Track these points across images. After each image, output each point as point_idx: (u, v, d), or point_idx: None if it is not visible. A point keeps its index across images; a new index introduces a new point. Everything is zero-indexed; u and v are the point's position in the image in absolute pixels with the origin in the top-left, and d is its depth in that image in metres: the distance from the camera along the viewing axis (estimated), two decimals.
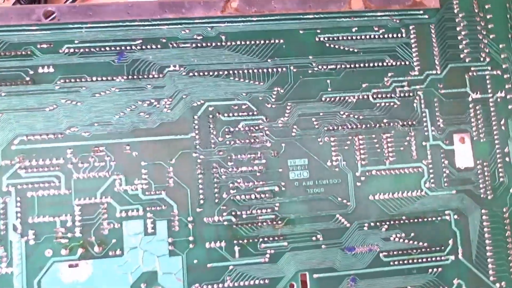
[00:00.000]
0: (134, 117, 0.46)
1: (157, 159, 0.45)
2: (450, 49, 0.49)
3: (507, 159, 0.48)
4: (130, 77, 0.46)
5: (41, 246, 0.44)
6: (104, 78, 0.46)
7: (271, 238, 0.46)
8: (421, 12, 0.49)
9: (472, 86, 0.49)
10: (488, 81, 0.49)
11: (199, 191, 0.45)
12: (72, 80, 0.45)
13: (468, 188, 0.48)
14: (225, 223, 0.45)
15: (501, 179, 0.48)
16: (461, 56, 0.49)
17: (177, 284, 0.45)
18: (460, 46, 0.49)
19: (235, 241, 0.45)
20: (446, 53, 0.49)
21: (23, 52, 0.45)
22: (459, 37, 0.49)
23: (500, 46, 0.49)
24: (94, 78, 0.46)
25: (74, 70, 0.45)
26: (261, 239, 0.46)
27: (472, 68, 0.49)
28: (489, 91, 0.49)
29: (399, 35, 0.49)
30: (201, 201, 0.45)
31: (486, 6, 0.49)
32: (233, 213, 0.46)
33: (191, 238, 0.45)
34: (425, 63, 0.49)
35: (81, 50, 0.46)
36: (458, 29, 0.49)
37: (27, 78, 0.45)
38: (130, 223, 0.45)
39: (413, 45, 0.49)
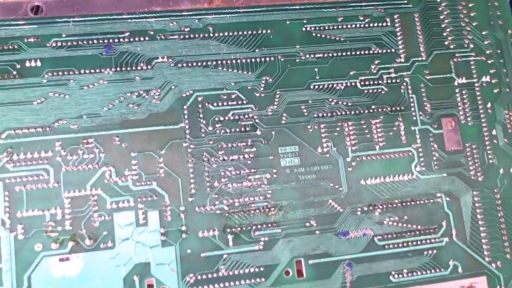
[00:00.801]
0: (123, 108, 0.45)
1: (147, 149, 0.45)
2: (435, 36, 0.50)
3: (494, 141, 0.49)
4: (118, 69, 0.46)
5: (31, 241, 0.43)
6: (92, 71, 0.45)
7: (264, 226, 0.45)
8: (405, 1, 0.50)
9: (457, 72, 0.49)
10: (473, 67, 0.50)
11: (190, 181, 0.45)
12: (60, 73, 0.45)
13: (459, 170, 0.48)
14: (218, 211, 0.45)
15: (490, 161, 0.48)
16: (446, 43, 0.50)
17: (171, 275, 0.44)
18: (444, 34, 0.50)
19: (228, 230, 0.45)
20: (431, 40, 0.50)
21: (10, 47, 0.45)
22: (442, 25, 0.50)
23: (483, 32, 0.50)
24: (82, 71, 0.45)
25: (61, 64, 0.45)
26: (254, 227, 0.45)
27: (457, 54, 0.50)
28: (474, 76, 0.49)
29: (384, 24, 0.49)
30: (193, 191, 0.45)
31: None
32: (225, 201, 0.45)
33: (183, 228, 0.44)
34: (411, 50, 0.49)
35: (69, 43, 0.46)
36: (441, 17, 0.50)
37: (14, 72, 0.45)
38: (121, 214, 0.44)
39: (398, 33, 0.49)
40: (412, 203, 0.47)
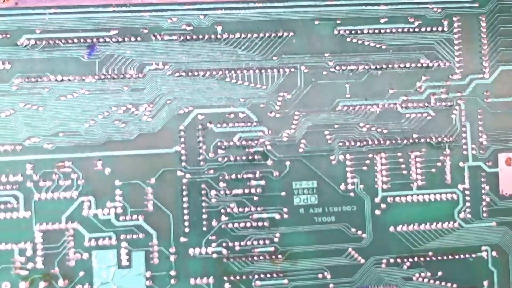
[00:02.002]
0: (108, 126, 0.38)
1: (134, 178, 0.38)
2: (504, 47, 0.40)
3: None
4: (103, 76, 0.38)
5: None
6: (71, 78, 0.38)
7: (268, 275, 0.39)
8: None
9: None
10: None
11: (183, 217, 0.38)
12: (33, 79, 0.37)
13: None
14: (214, 255, 0.38)
15: None
16: None
17: None
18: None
19: (225, 278, 0.38)
20: (498, 52, 0.40)
21: None
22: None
23: None
24: (59, 78, 0.38)
25: (35, 67, 0.38)
26: (256, 276, 0.39)
27: None
28: None
29: (440, 28, 0.40)
30: (186, 229, 0.38)
31: None
32: (224, 244, 0.39)
33: (173, 273, 0.38)
34: (470, 65, 0.40)
35: (44, 42, 0.38)
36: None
37: None
38: (101, 253, 0.38)
39: (456, 42, 0.40)
40: (450, 257, 0.39)
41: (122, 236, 0.38)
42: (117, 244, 0.38)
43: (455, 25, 0.39)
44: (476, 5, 0.40)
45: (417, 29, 0.39)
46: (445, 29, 0.39)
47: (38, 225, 0.38)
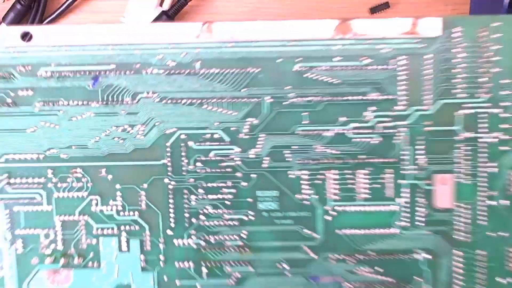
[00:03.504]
0: (109, 141, 0.47)
1: (131, 183, 0.47)
2: (443, 83, 0.45)
3: (490, 202, 0.45)
4: (105, 102, 0.46)
5: (28, 255, 0.48)
6: (79, 103, 0.46)
7: (237, 263, 0.47)
8: (415, 41, 0.44)
9: (463, 124, 0.45)
10: (481, 120, 0.45)
11: (170, 215, 0.47)
12: (50, 103, 0.46)
13: (445, 229, 0.46)
14: (194, 246, 0.47)
15: (482, 223, 0.46)
16: (455, 91, 0.45)
17: None
18: (455, 80, 0.45)
19: (203, 263, 0.47)
20: (438, 87, 0.45)
21: (4, 74, 0.46)
22: (455, 70, 0.44)
23: (502, 81, 0.44)
24: (70, 102, 0.46)
25: (51, 94, 0.46)
26: (227, 263, 0.48)
27: (466, 105, 0.45)
28: (482, 131, 0.45)
29: (387, 66, 0.45)
30: (172, 225, 0.47)
31: (496, 35, 0.43)
32: (202, 237, 0.47)
33: (161, 258, 0.48)
34: (413, 98, 0.45)
35: (57, 73, 0.46)
36: (456, 61, 0.44)
37: (9, 100, 0.47)
38: (106, 239, 0.48)
39: (401, 78, 0.45)
40: (389, 257, 0.47)
41: (122, 228, 0.48)
42: (118, 233, 0.48)
43: (401, 63, 0.45)
44: (422, 45, 0.44)
45: (367, 66, 0.45)
46: (392, 66, 0.45)
47: (58, 216, 0.48)
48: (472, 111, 0.45)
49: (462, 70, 0.45)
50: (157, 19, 0.65)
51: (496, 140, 0.45)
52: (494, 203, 0.46)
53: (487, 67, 0.44)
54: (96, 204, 0.48)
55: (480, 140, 0.45)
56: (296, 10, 0.67)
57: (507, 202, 0.46)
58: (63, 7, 0.66)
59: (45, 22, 0.66)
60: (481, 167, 0.46)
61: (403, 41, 0.44)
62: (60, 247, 0.48)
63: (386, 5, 0.65)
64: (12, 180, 0.47)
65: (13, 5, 0.66)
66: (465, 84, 0.45)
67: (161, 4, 0.66)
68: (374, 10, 0.65)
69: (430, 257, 0.47)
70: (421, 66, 0.45)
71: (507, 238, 0.46)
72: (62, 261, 0.48)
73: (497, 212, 0.46)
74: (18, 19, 0.66)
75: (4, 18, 0.66)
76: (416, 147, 0.46)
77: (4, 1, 0.67)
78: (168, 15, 0.65)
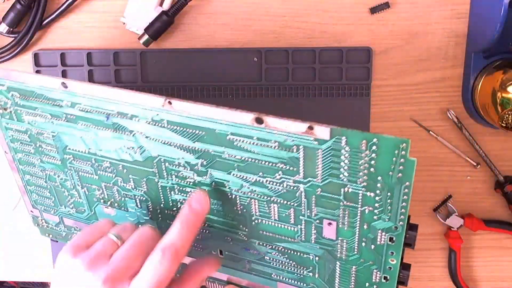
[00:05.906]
0: None
1: None
2: (332, 176, 0.47)
3: None
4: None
5: None
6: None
7: None
8: (312, 138, 0.45)
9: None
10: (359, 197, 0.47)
11: None
12: None
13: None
14: None
15: None
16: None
17: None
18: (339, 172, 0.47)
19: None
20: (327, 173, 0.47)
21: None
22: (341, 163, 0.46)
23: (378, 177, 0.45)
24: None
25: None
26: None
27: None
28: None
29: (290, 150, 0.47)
30: None
31: (374, 148, 0.44)
32: None
33: None
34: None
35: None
36: (341, 161, 0.45)
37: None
38: None
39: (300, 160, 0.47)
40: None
41: None
42: None
43: (299, 155, 0.47)
44: (316, 143, 0.45)
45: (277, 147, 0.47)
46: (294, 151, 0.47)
47: None
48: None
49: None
50: (157, 19, 0.65)
51: None
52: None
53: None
54: None
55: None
56: (296, 10, 0.66)
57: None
58: (63, 7, 0.66)
59: (45, 22, 0.66)
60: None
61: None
62: None
63: (386, 5, 0.65)
64: None
65: (13, 5, 0.66)
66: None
67: (161, 4, 0.66)
68: (374, 10, 0.65)
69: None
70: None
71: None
72: None
73: None
74: (18, 19, 0.66)
75: (4, 18, 0.66)
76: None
77: (4, 1, 0.66)
78: (168, 15, 0.65)
